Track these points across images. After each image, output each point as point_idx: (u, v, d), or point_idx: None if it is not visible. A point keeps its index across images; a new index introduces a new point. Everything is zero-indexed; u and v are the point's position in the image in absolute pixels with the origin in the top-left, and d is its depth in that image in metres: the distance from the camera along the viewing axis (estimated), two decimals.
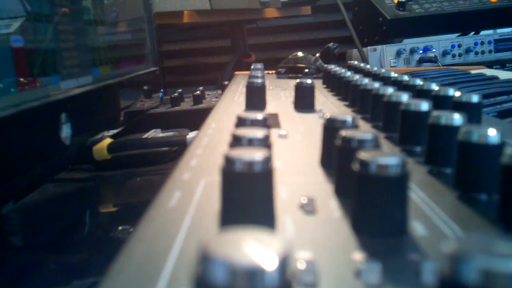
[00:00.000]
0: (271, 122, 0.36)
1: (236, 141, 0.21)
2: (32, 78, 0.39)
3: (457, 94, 0.35)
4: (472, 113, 0.32)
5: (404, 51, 1.19)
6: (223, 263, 0.10)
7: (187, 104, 0.85)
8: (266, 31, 1.47)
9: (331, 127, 0.25)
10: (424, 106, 0.29)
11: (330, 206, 0.20)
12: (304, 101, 0.44)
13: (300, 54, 0.78)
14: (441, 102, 0.35)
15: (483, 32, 1.30)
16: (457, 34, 1.30)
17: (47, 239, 0.45)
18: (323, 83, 0.63)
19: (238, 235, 0.11)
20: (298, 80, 0.45)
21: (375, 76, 0.53)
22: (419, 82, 0.42)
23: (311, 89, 0.44)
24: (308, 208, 0.20)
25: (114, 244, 0.43)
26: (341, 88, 0.51)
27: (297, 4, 1.25)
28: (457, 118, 0.25)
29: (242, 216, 0.17)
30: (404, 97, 0.32)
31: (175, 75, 1.44)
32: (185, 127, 0.72)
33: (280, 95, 0.53)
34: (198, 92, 0.85)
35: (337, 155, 0.21)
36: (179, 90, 0.87)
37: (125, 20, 0.73)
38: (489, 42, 1.24)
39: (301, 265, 0.15)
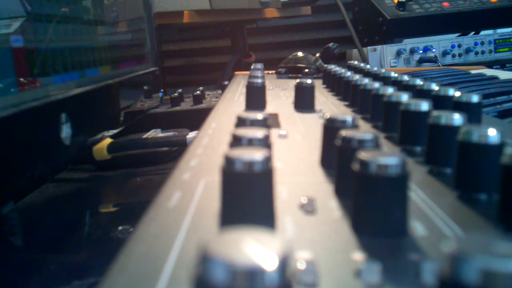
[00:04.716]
0: (271, 122, 0.36)
1: (236, 141, 0.21)
2: (32, 78, 0.39)
3: (457, 94, 0.35)
4: (472, 113, 0.32)
5: (404, 51, 1.19)
6: (223, 263, 0.10)
7: (187, 104, 0.85)
8: (266, 31, 1.47)
9: (331, 127, 0.25)
10: (424, 106, 0.29)
11: (330, 206, 0.20)
12: (304, 101, 0.44)
13: (300, 54, 0.78)
14: (441, 102, 0.35)
15: (483, 32, 1.30)
16: (457, 34, 1.30)
17: (47, 239, 0.45)
18: (323, 83, 0.63)
19: (238, 235, 0.11)
20: (298, 80, 0.45)
21: (375, 76, 0.53)
22: (419, 82, 0.42)
23: (311, 89, 0.44)
24: (308, 208, 0.20)
25: (114, 244, 0.43)
26: (341, 88, 0.51)
27: (297, 4, 1.25)
28: (457, 118, 0.25)
29: (242, 216, 0.17)
30: (404, 97, 0.32)
31: (175, 75, 1.44)
32: (185, 127, 0.72)
33: (280, 95, 0.53)
34: (198, 92, 0.85)
35: (337, 155, 0.21)
36: (179, 90, 0.87)
37: (125, 20, 0.73)
38: (489, 42, 1.24)
39: (301, 265, 0.15)
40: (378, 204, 0.17)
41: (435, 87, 0.38)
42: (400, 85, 0.44)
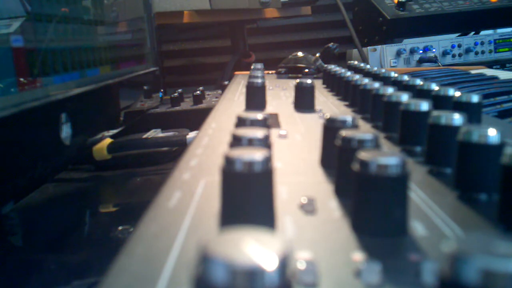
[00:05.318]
0: (271, 122, 0.36)
1: (236, 141, 0.21)
2: (32, 78, 0.39)
3: (457, 94, 0.35)
4: (472, 113, 0.32)
5: (404, 51, 1.19)
6: (223, 263, 0.10)
7: (187, 104, 0.85)
8: (266, 31, 1.47)
9: (331, 127, 0.25)
10: (424, 106, 0.29)
11: (330, 206, 0.20)
12: (304, 101, 0.44)
13: (300, 54, 0.78)
14: (441, 102, 0.35)
15: (483, 32, 1.30)
16: (457, 34, 1.30)
17: (47, 239, 0.45)
18: (323, 83, 0.63)
19: (238, 235, 0.11)
20: (298, 80, 0.45)
21: (375, 76, 0.53)
22: (419, 82, 0.42)
23: (311, 89, 0.44)
24: (308, 208, 0.20)
25: (114, 244, 0.43)
26: (341, 88, 0.51)
27: (297, 4, 1.25)
28: (457, 118, 0.25)
29: (242, 216, 0.17)
30: (404, 97, 0.32)
31: (175, 75, 1.44)
32: (185, 127, 0.72)
33: (280, 95, 0.53)
34: (198, 92, 0.85)
35: (337, 155, 0.21)
36: (179, 90, 0.87)
37: (125, 20, 0.73)
38: (489, 42, 1.24)
39: (301, 265, 0.15)
40: (378, 204, 0.17)
41: (435, 87, 0.38)
42: (400, 85, 0.44)
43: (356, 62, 0.69)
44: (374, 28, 1.23)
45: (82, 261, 0.41)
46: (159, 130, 0.74)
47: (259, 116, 0.27)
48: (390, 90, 0.36)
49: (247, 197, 0.17)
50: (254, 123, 0.26)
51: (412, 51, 1.19)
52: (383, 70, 0.54)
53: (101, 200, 0.60)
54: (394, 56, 1.18)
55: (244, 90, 0.44)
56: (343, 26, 1.17)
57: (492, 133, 0.21)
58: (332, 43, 0.83)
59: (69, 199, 0.57)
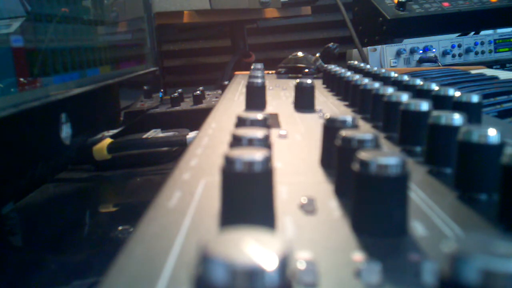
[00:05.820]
0: (271, 122, 0.36)
1: (236, 141, 0.21)
2: (32, 78, 0.39)
3: (457, 94, 0.35)
4: (472, 113, 0.32)
5: (404, 51, 1.19)
6: (223, 263, 0.10)
7: (187, 104, 0.85)
8: (266, 31, 1.47)
9: (331, 127, 0.25)
10: (424, 106, 0.29)
11: (330, 206, 0.20)
12: (304, 101, 0.44)
13: (300, 54, 0.78)
14: (441, 102, 0.35)
15: (483, 32, 1.30)
16: (457, 34, 1.30)
17: (47, 239, 0.45)
18: (323, 83, 0.63)
19: (238, 235, 0.11)
20: (298, 80, 0.45)
21: (375, 76, 0.53)
22: (419, 82, 0.42)
23: (311, 89, 0.44)
24: (308, 208, 0.20)
25: (114, 244, 0.43)
26: (341, 88, 0.51)
27: (297, 4, 1.25)
28: (457, 118, 0.25)
29: (242, 216, 0.17)
30: (404, 97, 0.32)
31: (175, 75, 1.44)
32: (185, 127, 0.72)
33: (280, 95, 0.53)
34: (198, 92, 0.85)
35: (337, 155, 0.21)
36: (179, 90, 0.87)
37: (125, 20, 0.73)
38: (489, 42, 1.24)
39: (301, 265, 0.15)
40: (378, 204, 0.17)
41: (435, 87, 0.38)
42: (400, 85, 0.44)
43: (356, 62, 0.69)
44: (374, 28, 1.23)
45: (82, 261, 0.41)
46: (159, 130, 0.74)
47: (259, 116, 0.26)
48: (390, 90, 0.36)
49: (247, 197, 0.17)
50: (254, 123, 0.26)
51: (412, 51, 1.19)
52: (383, 70, 0.54)
53: (101, 200, 0.60)
54: (394, 56, 1.18)
55: (244, 90, 0.44)
56: (343, 26, 1.17)
57: (492, 133, 0.21)
58: (332, 43, 0.83)
59: (69, 199, 0.57)
